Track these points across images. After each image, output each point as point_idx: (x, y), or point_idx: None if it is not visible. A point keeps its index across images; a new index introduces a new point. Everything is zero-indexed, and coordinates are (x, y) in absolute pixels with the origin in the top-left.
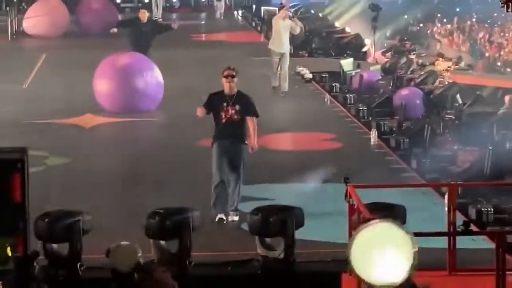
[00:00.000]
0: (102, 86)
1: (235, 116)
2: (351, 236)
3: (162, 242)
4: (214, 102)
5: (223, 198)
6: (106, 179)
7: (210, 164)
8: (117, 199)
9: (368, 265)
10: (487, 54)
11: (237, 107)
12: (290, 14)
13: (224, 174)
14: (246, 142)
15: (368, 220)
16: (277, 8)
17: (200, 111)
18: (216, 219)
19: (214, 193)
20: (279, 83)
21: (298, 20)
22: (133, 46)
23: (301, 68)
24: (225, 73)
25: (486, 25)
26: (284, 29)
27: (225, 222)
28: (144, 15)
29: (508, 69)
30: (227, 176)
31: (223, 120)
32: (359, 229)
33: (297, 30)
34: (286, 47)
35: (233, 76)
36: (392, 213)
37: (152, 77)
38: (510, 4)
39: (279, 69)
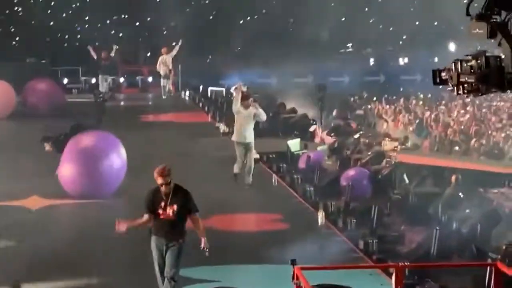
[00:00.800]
0: (65, 170)
1: (172, 217)
2: None
3: None
4: (152, 203)
5: None
6: (50, 262)
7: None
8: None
9: None
10: (433, 134)
11: (175, 207)
12: (251, 101)
13: (163, 270)
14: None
15: None
16: (223, 89)
17: (146, 220)
18: None
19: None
20: (243, 174)
21: (258, 105)
22: None
23: (233, 138)
24: (159, 180)
25: (432, 105)
26: (247, 119)
27: None
28: None
29: (456, 148)
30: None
31: (161, 217)
32: None
33: (264, 117)
34: (251, 137)
35: (167, 183)
36: None
37: (118, 157)
38: (461, 87)
39: (245, 161)
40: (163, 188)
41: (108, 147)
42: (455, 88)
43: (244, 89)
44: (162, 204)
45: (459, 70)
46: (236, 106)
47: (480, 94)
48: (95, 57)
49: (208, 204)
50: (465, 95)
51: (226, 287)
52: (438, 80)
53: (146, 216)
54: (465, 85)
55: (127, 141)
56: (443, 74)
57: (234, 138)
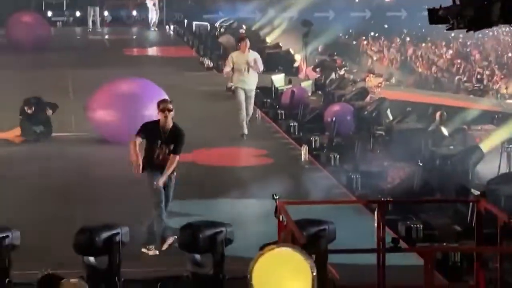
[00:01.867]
0: (106, 116)
1: (167, 155)
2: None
3: (91, 259)
4: (149, 133)
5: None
6: (37, 194)
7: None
8: (47, 215)
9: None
10: (419, 70)
11: (171, 146)
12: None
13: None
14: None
15: (272, 244)
16: (207, 24)
17: (135, 143)
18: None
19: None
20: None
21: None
22: None
23: (231, 83)
24: (161, 106)
25: (417, 41)
26: (245, 64)
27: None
28: None
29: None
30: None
31: (156, 156)
32: (262, 253)
33: (261, 68)
34: (252, 83)
35: (169, 110)
36: (321, 229)
37: None
38: (461, 21)
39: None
40: (163, 119)
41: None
42: (455, 21)
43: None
44: (159, 142)
45: (458, 1)
46: (226, 70)
47: (481, 27)
48: None
49: (191, 138)
50: (466, 30)
51: (207, 221)
52: (435, 18)
53: (139, 140)
54: (466, 18)
55: (112, 76)
56: (440, 11)
57: (234, 83)
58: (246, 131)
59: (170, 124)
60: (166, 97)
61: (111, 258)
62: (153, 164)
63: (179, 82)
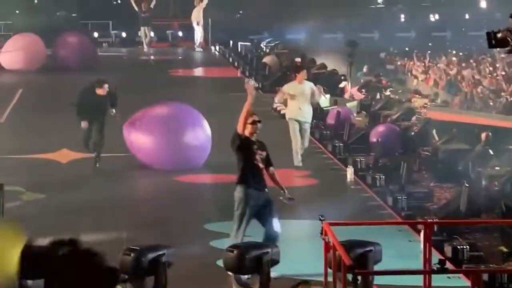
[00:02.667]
0: (147, 141)
1: (261, 164)
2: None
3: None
4: (244, 143)
5: None
6: (80, 213)
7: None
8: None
9: None
10: (463, 91)
11: (264, 154)
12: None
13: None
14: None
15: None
16: (252, 44)
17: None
18: None
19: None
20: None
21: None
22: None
23: (278, 104)
24: (251, 119)
25: (462, 62)
26: (302, 95)
27: None
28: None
29: (491, 102)
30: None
31: (255, 162)
32: None
33: (319, 99)
34: (308, 115)
35: (259, 122)
36: (367, 250)
37: (202, 131)
38: None
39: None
40: (253, 131)
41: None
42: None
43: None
44: (255, 147)
45: None
46: (278, 98)
47: None
48: (136, 8)
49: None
50: None
51: (253, 242)
52: (493, 42)
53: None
54: None
55: (158, 96)
56: (499, 35)
57: (288, 114)
58: (300, 163)
59: (256, 137)
60: (205, 121)
61: (156, 279)
62: (251, 177)
63: (224, 103)
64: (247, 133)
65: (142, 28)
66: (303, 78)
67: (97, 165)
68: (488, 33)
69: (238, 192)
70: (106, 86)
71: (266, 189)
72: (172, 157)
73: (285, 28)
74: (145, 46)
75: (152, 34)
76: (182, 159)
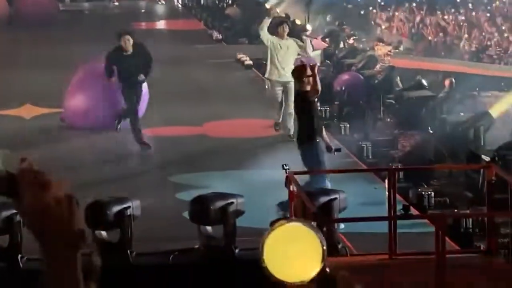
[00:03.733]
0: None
1: None
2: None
3: (103, 233)
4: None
5: None
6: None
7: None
8: None
9: (280, 263)
10: (428, 38)
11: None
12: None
13: None
14: None
15: (283, 219)
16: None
17: None
18: None
19: None
20: (282, 120)
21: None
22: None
23: (241, 55)
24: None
25: (426, 8)
26: (285, 52)
27: None
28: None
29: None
30: None
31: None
32: (271, 229)
33: (310, 51)
34: (289, 74)
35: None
36: (332, 198)
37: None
38: None
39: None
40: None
41: None
42: None
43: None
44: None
45: None
46: (264, 34)
47: None
48: None
49: (202, 111)
50: None
51: (218, 193)
52: None
53: None
54: None
55: None
56: None
57: (267, 75)
58: (278, 119)
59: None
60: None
61: (122, 232)
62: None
63: (188, 55)
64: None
65: None
66: (285, 33)
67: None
68: None
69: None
70: (128, 38)
71: None
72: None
73: None
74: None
75: None
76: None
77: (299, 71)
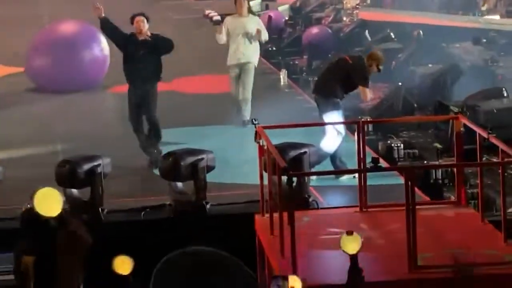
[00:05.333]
0: (39, 60)
1: None
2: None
3: (74, 190)
4: None
5: None
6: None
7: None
8: (30, 149)
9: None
10: None
11: None
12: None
13: None
14: None
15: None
16: None
17: None
18: None
19: None
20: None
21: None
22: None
23: (209, 11)
24: None
25: None
26: (244, 30)
27: None
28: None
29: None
30: None
31: None
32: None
33: (264, 36)
34: (249, 56)
35: None
36: (302, 152)
37: (98, 50)
38: None
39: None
40: None
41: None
42: None
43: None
44: None
45: None
46: (221, 37)
47: None
48: None
49: (170, 67)
50: None
51: (188, 148)
52: None
53: None
54: None
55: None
56: None
57: (228, 60)
58: (247, 118)
59: None
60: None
61: (93, 189)
62: None
63: (153, 12)
64: None
65: None
66: (243, 9)
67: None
68: None
69: None
70: (142, 20)
71: None
72: (70, 78)
73: None
74: None
75: None
76: (79, 77)
77: None
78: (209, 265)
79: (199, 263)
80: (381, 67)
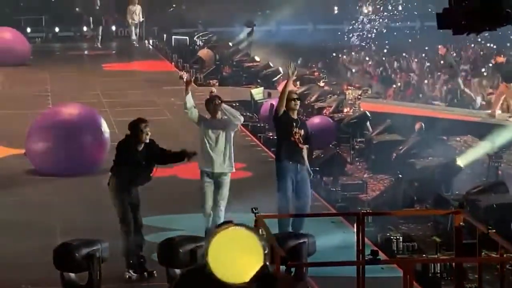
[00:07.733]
0: (39, 145)
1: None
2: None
3: (71, 274)
4: (282, 118)
5: None
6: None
7: None
8: (25, 238)
9: (223, 265)
10: (397, 82)
11: (302, 132)
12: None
13: None
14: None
15: (224, 224)
16: (186, 38)
17: None
18: None
19: None
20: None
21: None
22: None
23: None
24: (292, 96)
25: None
26: (217, 132)
27: None
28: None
29: (420, 96)
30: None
31: (294, 140)
32: (215, 232)
33: (239, 120)
34: (225, 165)
35: (299, 99)
36: (301, 242)
37: (99, 134)
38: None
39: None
40: (295, 109)
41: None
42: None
43: (185, 77)
44: (294, 123)
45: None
46: (189, 103)
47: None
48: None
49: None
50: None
51: (187, 235)
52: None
53: None
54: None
55: (94, 88)
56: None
57: (200, 166)
58: (208, 211)
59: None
60: (103, 124)
61: (90, 274)
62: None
63: (156, 97)
64: (287, 108)
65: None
66: (217, 111)
67: None
68: (438, 14)
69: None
70: (144, 127)
71: (304, 166)
72: (70, 161)
73: (218, 20)
74: (99, 43)
75: (85, 29)
76: (79, 161)
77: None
78: None
79: None
80: None
